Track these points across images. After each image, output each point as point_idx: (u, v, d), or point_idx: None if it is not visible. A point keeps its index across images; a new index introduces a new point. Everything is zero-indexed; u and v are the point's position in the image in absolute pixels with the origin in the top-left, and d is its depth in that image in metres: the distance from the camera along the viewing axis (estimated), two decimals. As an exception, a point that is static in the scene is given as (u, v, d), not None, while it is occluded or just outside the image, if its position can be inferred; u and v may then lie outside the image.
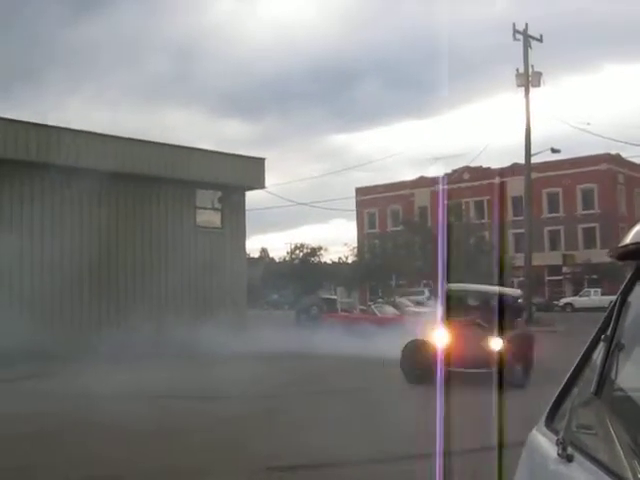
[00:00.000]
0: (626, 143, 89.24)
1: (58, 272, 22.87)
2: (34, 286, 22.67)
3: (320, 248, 59.97)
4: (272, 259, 71.77)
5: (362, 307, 37.89)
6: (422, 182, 65.54)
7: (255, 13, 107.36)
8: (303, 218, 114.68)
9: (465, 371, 13.92)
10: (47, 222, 23.56)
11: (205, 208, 28.68)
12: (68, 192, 23.68)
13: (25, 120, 23.90)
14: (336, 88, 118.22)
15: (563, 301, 55.28)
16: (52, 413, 11.39)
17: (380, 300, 39.92)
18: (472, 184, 61.79)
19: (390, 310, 31.78)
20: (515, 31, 36.25)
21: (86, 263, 23.55)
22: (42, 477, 8.12)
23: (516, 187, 48.68)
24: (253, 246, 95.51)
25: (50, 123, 24.32)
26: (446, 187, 54.82)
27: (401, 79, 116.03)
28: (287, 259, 61.86)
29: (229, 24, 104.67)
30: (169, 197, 27.09)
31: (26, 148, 22.95)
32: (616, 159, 58.90)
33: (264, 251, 77.46)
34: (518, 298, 17.85)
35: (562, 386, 2.82)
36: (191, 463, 8.35)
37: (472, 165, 55.73)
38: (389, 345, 16.55)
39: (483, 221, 56.99)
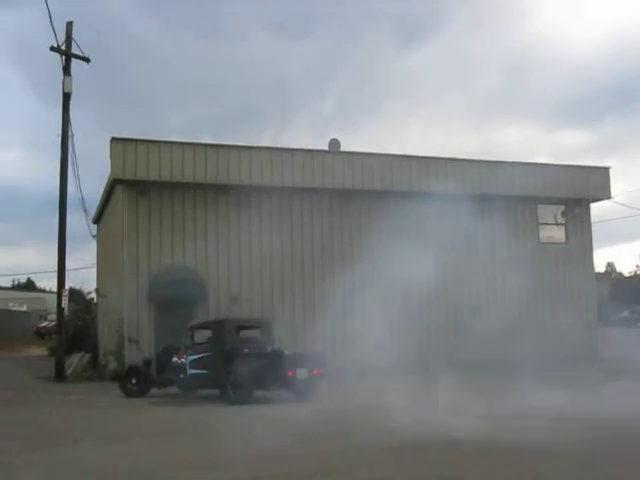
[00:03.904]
0: None
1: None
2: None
3: (679, 259, 54.81)
4: (620, 273, 66.81)
5: None
6: None
7: (582, 16, 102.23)
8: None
9: None
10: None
11: (548, 224, 27.75)
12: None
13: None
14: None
15: None
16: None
17: None
18: None
19: None
20: None
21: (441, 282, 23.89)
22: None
23: None
24: (598, 260, 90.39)
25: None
26: None
27: None
28: (638, 272, 57.45)
29: (557, 31, 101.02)
30: (510, 214, 26.53)
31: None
32: None
33: (610, 265, 72.59)
34: None
35: None
36: None
37: None
38: None
39: None
